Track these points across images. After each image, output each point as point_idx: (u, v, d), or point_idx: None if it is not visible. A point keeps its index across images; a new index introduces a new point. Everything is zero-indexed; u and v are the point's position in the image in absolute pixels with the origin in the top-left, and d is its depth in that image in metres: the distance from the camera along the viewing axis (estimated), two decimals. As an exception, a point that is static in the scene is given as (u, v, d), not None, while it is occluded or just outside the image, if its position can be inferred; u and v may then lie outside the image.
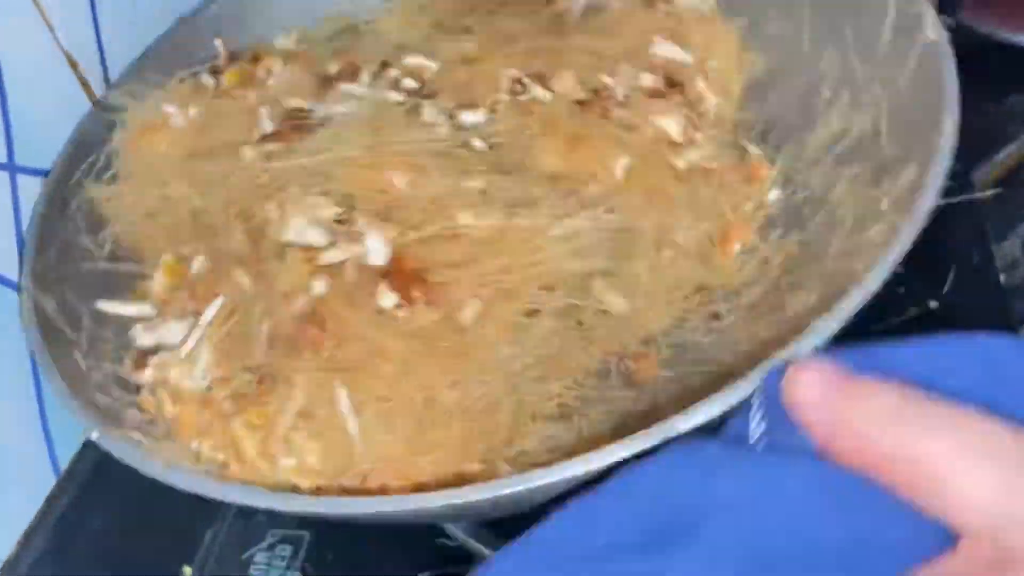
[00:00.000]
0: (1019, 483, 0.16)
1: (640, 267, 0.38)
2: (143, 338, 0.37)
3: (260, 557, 0.40)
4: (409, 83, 0.40)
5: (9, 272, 0.39)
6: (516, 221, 0.33)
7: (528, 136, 0.38)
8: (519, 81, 0.41)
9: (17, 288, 0.38)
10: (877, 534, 0.17)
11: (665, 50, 0.42)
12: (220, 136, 0.39)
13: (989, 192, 0.41)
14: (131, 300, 0.39)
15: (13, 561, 0.39)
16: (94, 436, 0.32)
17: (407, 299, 0.32)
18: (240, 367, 0.35)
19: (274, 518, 0.41)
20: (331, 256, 0.33)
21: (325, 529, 0.40)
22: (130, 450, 0.31)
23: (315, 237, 0.34)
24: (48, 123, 0.39)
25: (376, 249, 0.33)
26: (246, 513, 0.42)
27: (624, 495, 0.20)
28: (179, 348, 0.36)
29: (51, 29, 0.39)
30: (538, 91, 0.41)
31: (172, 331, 0.37)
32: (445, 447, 0.33)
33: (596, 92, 0.41)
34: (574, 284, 0.35)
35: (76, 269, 0.39)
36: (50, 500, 0.40)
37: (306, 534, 0.40)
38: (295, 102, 0.39)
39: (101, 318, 0.39)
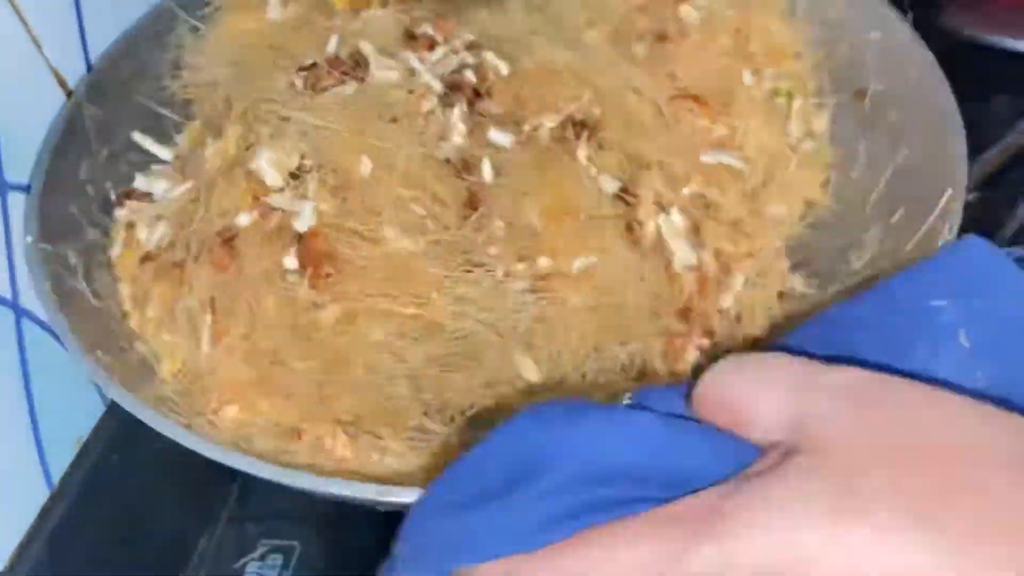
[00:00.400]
0: (802, 398, 0.20)
1: (563, 352, 0.37)
2: (140, 180, 0.41)
3: (252, 567, 0.41)
4: (469, 76, 0.40)
5: (2, 291, 0.38)
6: (426, 264, 0.33)
7: (534, 183, 0.37)
8: (575, 121, 0.40)
9: (11, 304, 0.38)
10: (697, 455, 0.21)
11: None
12: (296, 46, 0.42)
13: (972, 195, 0.39)
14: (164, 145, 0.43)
15: (7, 575, 0.38)
16: (28, 240, 0.37)
17: (300, 272, 0.34)
18: (182, 245, 0.38)
19: (266, 529, 0.42)
20: (274, 200, 0.36)
21: (315, 539, 0.42)
22: (41, 268, 0.36)
23: (270, 177, 0.36)
24: (38, 141, 0.39)
25: (305, 215, 0.35)
26: (238, 522, 0.43)
27: (492, 448, 0.23)
28: (153, 204, 0.40)
29: (38, 46, 0.38)
30: (581, 152, 0.39)
31: (161, 187, 0.41)
32: (288, 399, 0.35)
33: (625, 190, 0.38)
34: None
35: (136, 95, 0.44)
36: (43, 513, 0.39)
37: (296, 544, 0.41)
38: (364, 46, 0.40)
39: (130, 145, 0.43)
